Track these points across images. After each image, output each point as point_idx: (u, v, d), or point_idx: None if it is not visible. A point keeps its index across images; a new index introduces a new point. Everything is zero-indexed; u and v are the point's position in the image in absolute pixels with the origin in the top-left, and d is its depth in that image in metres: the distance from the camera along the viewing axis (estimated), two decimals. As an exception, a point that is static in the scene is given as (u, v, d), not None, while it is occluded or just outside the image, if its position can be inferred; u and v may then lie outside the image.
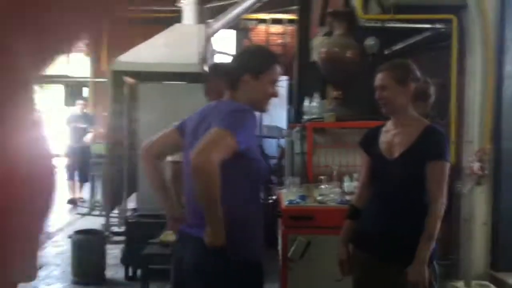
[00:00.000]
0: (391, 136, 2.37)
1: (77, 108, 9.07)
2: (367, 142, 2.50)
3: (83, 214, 7.66)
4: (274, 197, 4.39)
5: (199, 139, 1.95)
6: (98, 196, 8.01)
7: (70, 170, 8.65)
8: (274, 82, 2.16)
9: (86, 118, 8.96)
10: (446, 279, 3.97)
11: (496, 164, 4.18)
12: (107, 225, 6.21)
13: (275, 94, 2.17)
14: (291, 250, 3.22)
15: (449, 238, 4.50)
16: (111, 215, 6.25)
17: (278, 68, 2.17)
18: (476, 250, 4.24)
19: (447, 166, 2.25)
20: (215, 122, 1.97)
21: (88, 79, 12.64)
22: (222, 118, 1.97)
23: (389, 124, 2.43)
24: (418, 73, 2.38)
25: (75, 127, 8.66)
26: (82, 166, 8.65)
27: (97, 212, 7.53)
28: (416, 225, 2.21)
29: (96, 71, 12.18)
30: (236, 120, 1.97)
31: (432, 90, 2.40)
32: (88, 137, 8.80)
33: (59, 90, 13.81)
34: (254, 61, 2.15)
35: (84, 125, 8.70)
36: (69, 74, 13.75)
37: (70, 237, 5.01)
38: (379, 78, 2.38)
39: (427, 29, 4.59)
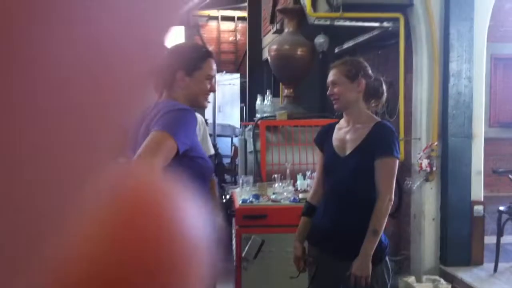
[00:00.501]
0: (344, 133, 2.40)
1: None
2: (321, 139, 2.52)
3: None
4: (227, 196, 4.37)
5: (140, 143, 1.91)
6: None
7: None
8: (210, 77, 2.14)
9: None
10: (398, 274, 4.05)
11: (443, 160, 4.30)
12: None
13: (212, 90, 2.16)
14: (245, 249, 3.21)
15: (400, 235, 4.61)
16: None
17: (213, 63, 2.15)
18: (426, 246, 4.35)
19: (396, 162, 2.29)
20: (153, 124, 1.93)
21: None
22: (159, 119, 1.93)
23: (342, 122, 2.45)
24: (369, 70, 2.41)
25: None
26: None
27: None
28: (366, 221, 2.24)
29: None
30: (173, 120, 1.93)
31: (384, 87, 2.44)
32: None
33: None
34: (187, 57, 2.11)
35: None
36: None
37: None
38: (330, 74, 2.41)
39: (375, 27, 4.68)
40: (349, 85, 2.35)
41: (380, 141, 2.29)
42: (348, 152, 2.35)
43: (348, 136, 2.37)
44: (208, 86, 2.14)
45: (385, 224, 2.27)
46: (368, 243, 2.22)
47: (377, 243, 2.24)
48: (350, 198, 2.32)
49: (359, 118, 2.37)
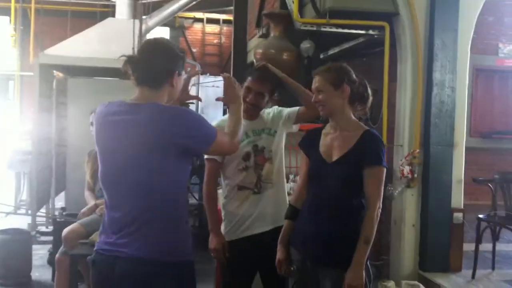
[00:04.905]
0: (330, 139, 2.39)
1: None
2: (307, 143, 2.51)
3: (8, 213, 7.29)
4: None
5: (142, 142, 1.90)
6: (24, 194, 7.65)
7: None
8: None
9: None
10: (378, 279, 4.07)
11: (425, 168, 4.34)
12: (34, 225, 5.96)
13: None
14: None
15: (380, 240, 4.64)
16: (38, 214, 5.99)
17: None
18: (405, 251, 4.39)
19: (384, 171, 2.29)
20: (167, 128, 1.89)
21: (15, 73, 12.05)
22: (188, 129, 1.95)
23: (328, 127, 2.44)
24: (353, 76, 2.40)
25: None
26: None
27: (22, 211, 7.19)
28: (351, 228, 2.25)
29: (24, 64, 11.63)
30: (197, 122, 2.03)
31: (369, 91, 2.42)
32: None
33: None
34: (179, 58, 2.06)
35: None
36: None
37: (-7, 237, 4.75)
38: (315, 81, 2.39)
39: (361, 35, 4.71)
40: (334, 92, 2.34)
41: (369, 150, 2.28)
42: (335, 158, 2.34)
43: (335, 143, 2.36)
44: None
45: (374, 232, 2.26)
46: (360, 252, 2.20)
47: (368, 251, 2.23)
48: (334, 204, 2.31)
49: (346, 125, 2.36)
